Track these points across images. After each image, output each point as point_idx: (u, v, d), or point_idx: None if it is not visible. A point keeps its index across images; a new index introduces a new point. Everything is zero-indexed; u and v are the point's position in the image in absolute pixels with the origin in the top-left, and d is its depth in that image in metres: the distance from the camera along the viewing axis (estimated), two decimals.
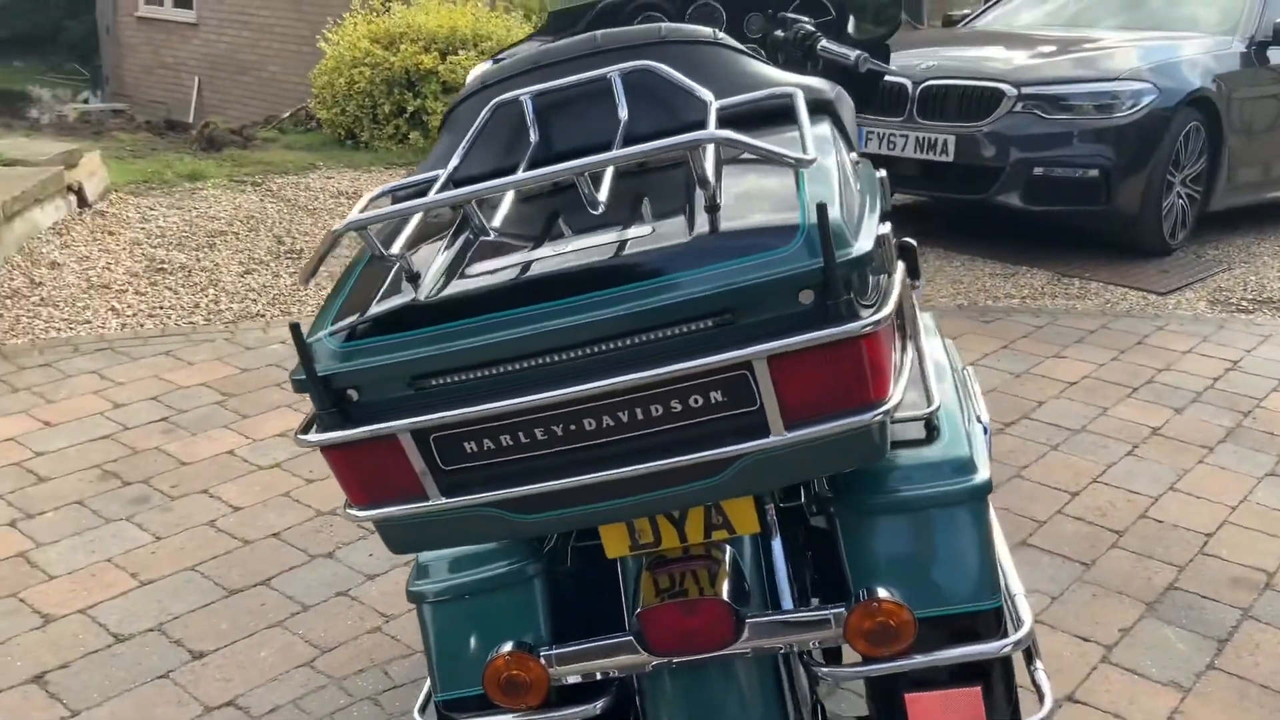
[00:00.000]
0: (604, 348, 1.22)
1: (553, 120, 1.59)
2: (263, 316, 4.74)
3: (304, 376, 1.26)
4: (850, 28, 2.96)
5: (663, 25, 1.66)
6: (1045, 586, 2.82)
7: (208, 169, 7.02)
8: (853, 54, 2.68)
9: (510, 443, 1.27)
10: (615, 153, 1.23)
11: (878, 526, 1.55)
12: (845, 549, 1.55)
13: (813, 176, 1.34)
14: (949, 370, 1.85)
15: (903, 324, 1.61)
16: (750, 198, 1.32)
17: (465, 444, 1.28)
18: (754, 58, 1.70)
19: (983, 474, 1.56)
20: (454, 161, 1.60)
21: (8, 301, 4.76)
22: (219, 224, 5.96)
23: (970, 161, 5.76)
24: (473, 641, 1.57)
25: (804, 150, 1.28)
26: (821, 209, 1.16)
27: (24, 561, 2.91)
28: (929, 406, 1.63)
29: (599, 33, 1.68)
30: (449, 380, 1.26)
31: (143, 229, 5.80)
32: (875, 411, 1.25)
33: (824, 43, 2.72)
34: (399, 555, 1.52)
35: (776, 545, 1.61)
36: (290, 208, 6.41)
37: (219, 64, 13.60)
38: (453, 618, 1.59)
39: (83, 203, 5.94)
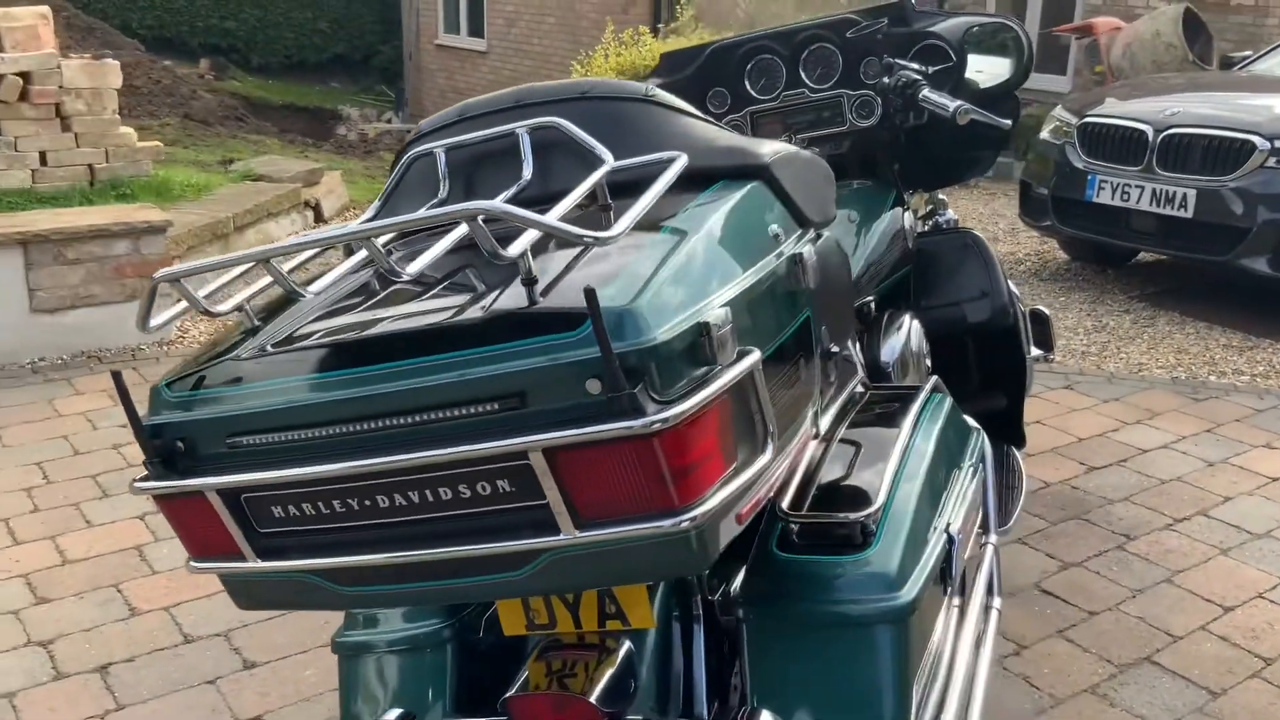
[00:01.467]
0: (390, 423, 1.16)
1: (464, 174, 1.54)
2: None
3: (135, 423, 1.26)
4: (981, 76, 2.72)
5: (589, 81, 1.57)
6: (1155, 714, 2.46)
7: None
8: (952, 104, 2.45)
9: (313, 512, 1.23)
10: (385, 222, 1.14)
11: (780, 638, 1.41)
12: (747, 657, 1.41)
13: (642, 254, 1.22)
14: (931, 466, 1.63)
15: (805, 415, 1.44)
16: (570, 274, 1.21)
17: (273, 508, 1.25)
18: (694, 116, 1.57)
19: (907, 594, 1.38)
20: (369, 213, 1.60)
21: None
22: None
23: (1212, 219, 5.18)
24: (378, 698, 1.55)
25: (609, 227, 1.15)
26: (590, 294, 1.04)
27: (136, 554, 3.12)
28: (869, 507, 1.46)
29: (527, 86, 1.62)
30: (257, 441, 1.23)
31: None
32: (677, 519, 1.11)
33: (925, 92, 2.50)
34: None
35: (698, 638, 1.49)
36: None
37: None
38: (363, 672, 1.57)
39: (319, 217, 6.37)
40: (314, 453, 1.20)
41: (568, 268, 1.22)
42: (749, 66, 2.82)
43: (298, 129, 11.75)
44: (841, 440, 1.68)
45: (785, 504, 1.50)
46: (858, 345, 2.47)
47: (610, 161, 1.40)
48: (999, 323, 2.74)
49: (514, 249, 1.11)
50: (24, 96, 5.35)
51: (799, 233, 1.51)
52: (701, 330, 1.15)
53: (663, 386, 1.10)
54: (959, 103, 2.46)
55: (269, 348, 1.27)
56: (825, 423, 1.64)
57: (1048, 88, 8.97)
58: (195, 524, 1.29)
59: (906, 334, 2.54)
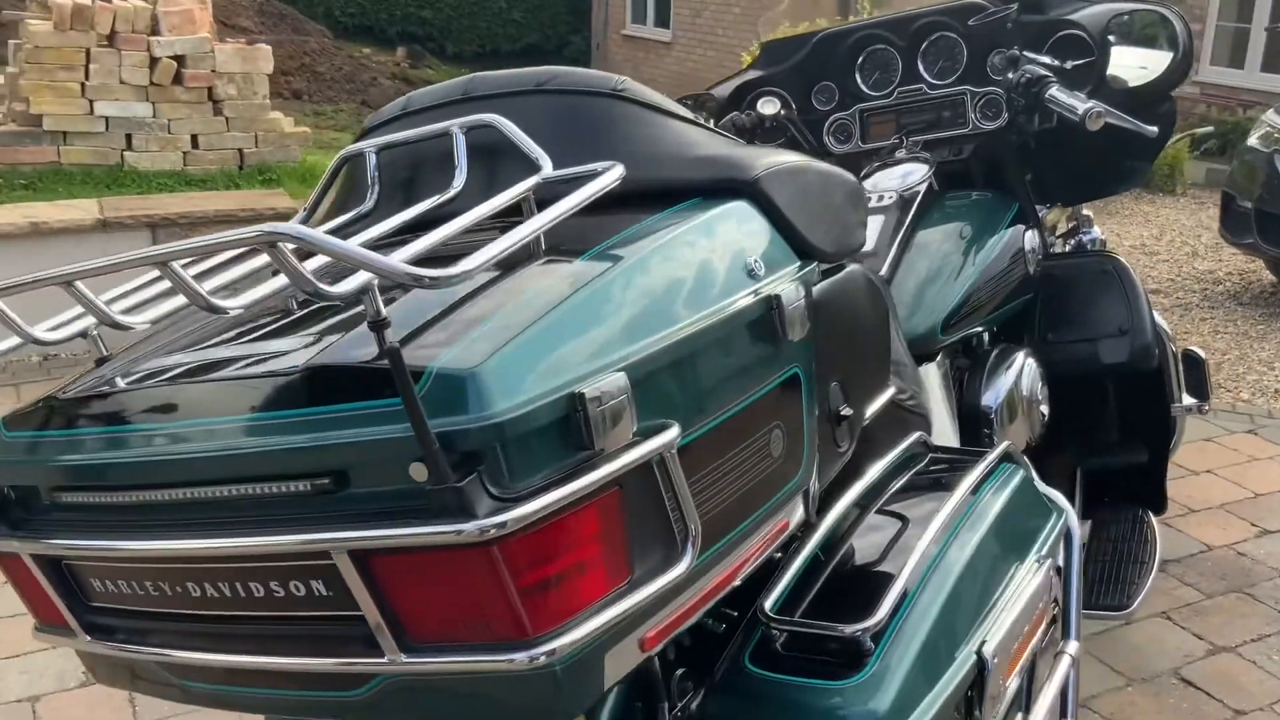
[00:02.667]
0: (193, 495, 0.92)
1: (399, 179, 1.28)
2: None
3: None
4: (1131, 73, 2.29)
5: (549, 70, 1.27)
6: None
7: None
8: (1082, 106, 2.04)
9: (131, 591, 1.00)
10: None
11: None
12: None
13: (531, 296, 0.94)
14: (974, 560, 1.29)
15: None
16: (434, 319, 0.93)
17: (93, 581, 1.03)
18: (674, 115, 1.25)
19: None
20: (298, 215, 1.37)
21: None
22: None
23: None
24: None
25: (453, 264, 0.85)
26: (393, 354, 0.77)
27: None
28: (873, 616, 1.13)
29: (480, 74, 1.33)
30: (74, 500, 1.01)
31: None
32: (531, 652, 0.83)
33: (1053, 90, 2.10)
34: None
35: None
36: None
37: (685, 81, 14.08)
38: None
39: None
40: (128, 520, 0.98)
41: (432, 311, 0.94)
42: (860, 59, 2.47)
43: None
44: (868, 522, 1.35)
45: (769, 604, 1.19)
46: (949, 391, 2.09)
47: (546, 170, 1.11)
48: (1139, 365, 2.30)
49: (344, 285, 0.83)
50: (178, 79, 5.43)
51: (796, 265, 1.18)
52: (576, 404, 0.85)
53: (513, 478, 0.82)
54: (1090, 104, 2.05)
55: (99, 388, 1.04)
56: (844, 502, 1.31)
57: (1273, 89, 8.11)
58: (26, 588, 1.09)
59: (1017, 374, 2.15)
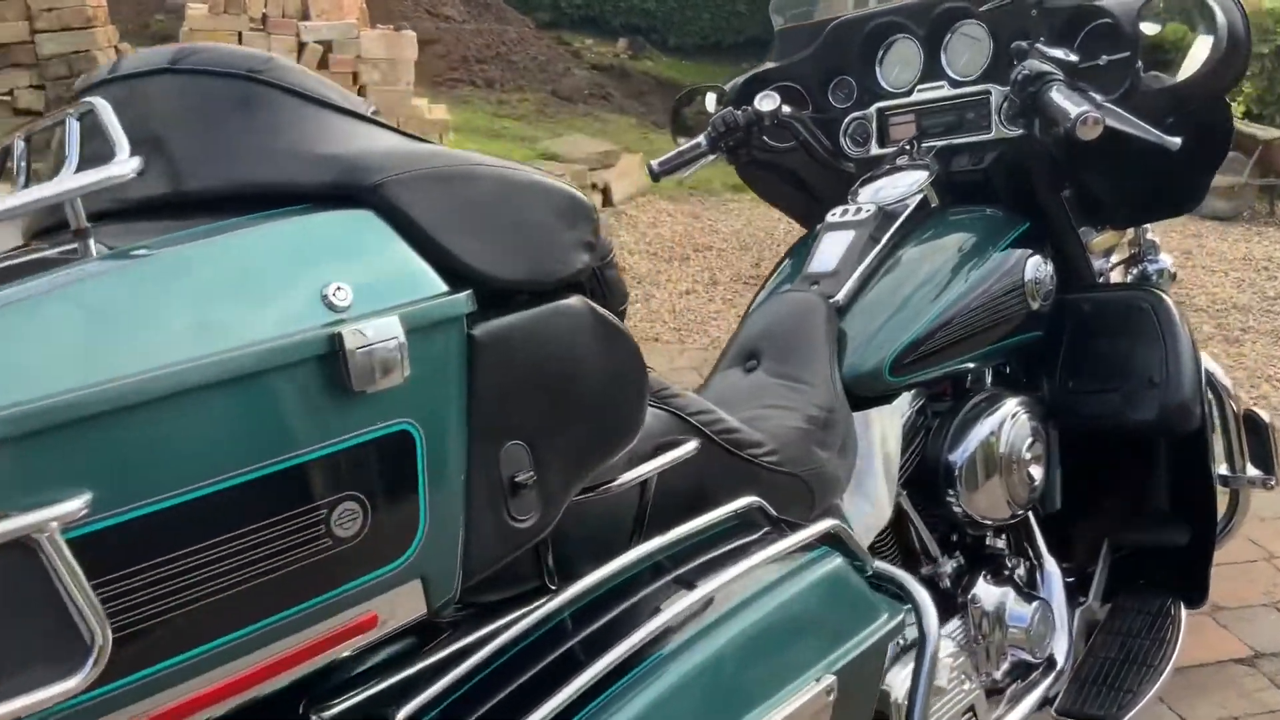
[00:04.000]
0: None
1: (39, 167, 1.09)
2: (657, 340, 4.46)
3: None
4: (1181, 71, 1.85)
5: (190, 47, 1.04)
6: None
7: None
8: (1074, 110, 1.66)
9: None
10: None
11: None
12: None
13: None
14: (682, 687, 1.01)
15: None
16: None
17: None
18: (319, 102, 1.00)
19: None
20: None
21: None
22: (714, 239, 5.79)
23: None
24: None
25: None
26: None
27: None
28: None
29: (188, 45, 1.12)
30: None
31: (642, 234, 5.82)
32: None
33: (1052, 91, 1.71)
34: None
35: None
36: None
37: None
38: None
39: (607, 202, 6.12)
40: None
41: None
42: (882, 50, 2.13)
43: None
44: (576, 614, 1.07)
45: (402, 715, 0.94)
46: (899, 444, 1.74)
47: (120, 169, 0.89)
48: (1175, 425, 1.87)
49: None
50: (324, 64, 5.51)
51: (436, 296, 0.91)
52: None
53: None
54: (1084, 108, 1.66)
55: None
56: (579, 586, 1.05)
57: None
58: None
59: (995, 426, 1.78)
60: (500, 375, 0.93)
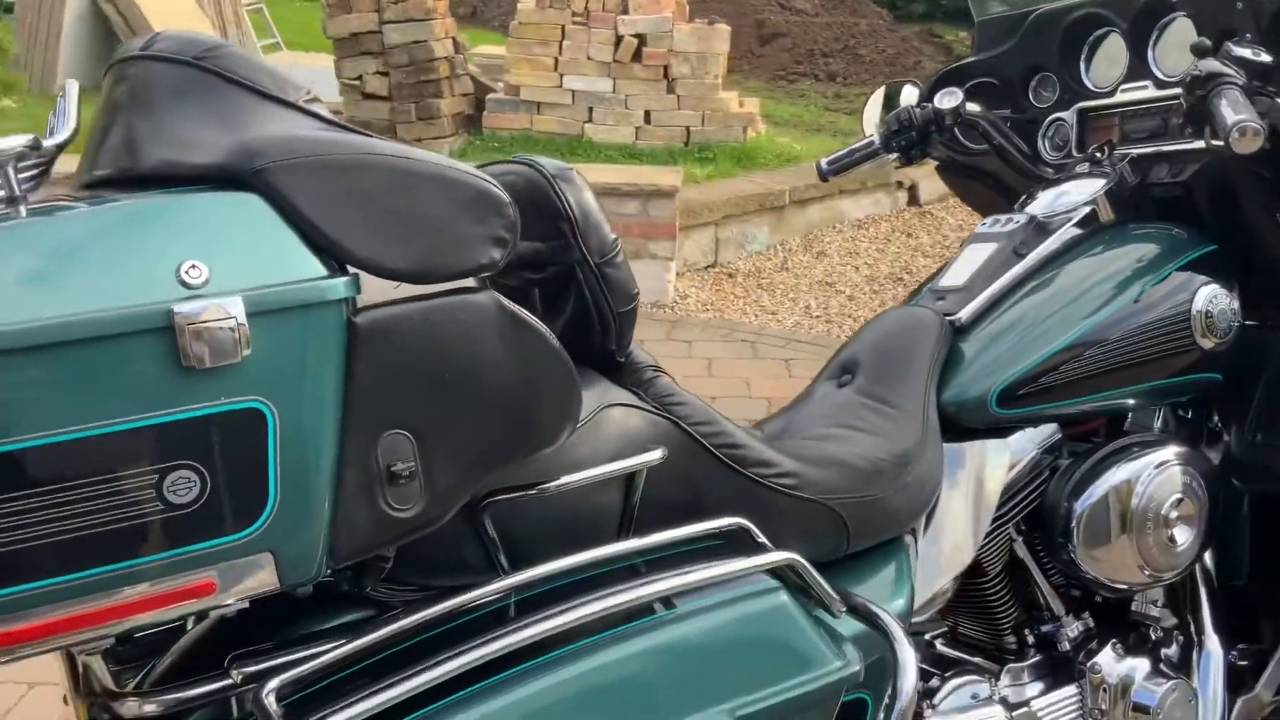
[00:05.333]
0: None
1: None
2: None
3: None
4: None
5: (159, 35, 1.10)
6: None
7: None
8: (1232, 118, 1.44)
9: None
10: None
11: None
12: None
13: None
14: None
15: None
16: None
17: None
18: (258, 92, 1.03)
19: None
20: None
21: (727, 276, 5.04)
22: None
23: None
24: None
25: None
26: None
27: None
28: None
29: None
30: None
31: (944, 236, 5.57)
32: None
33: (1222, 97, 1.50)
34: None
35: None
36: None
37: None
38: None
39: (912, 201, 5.90)
40: None
41: None
42: (1086, 45, 1.92)
43: None
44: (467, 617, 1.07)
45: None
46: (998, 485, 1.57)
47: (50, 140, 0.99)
48: None
49: None
50: (637, 57, 5.68)
51: (306, 280, 0.93)
52: None
53: None
54: (1244, 116, 1.42)
55: None
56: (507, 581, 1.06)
57: None
58: None
59: (1130, 476, 1.57)
60: (382, 364, 0.94)
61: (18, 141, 0.91)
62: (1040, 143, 1.95)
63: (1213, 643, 1.70)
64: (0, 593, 0.84)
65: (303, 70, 6.17)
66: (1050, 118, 1.93)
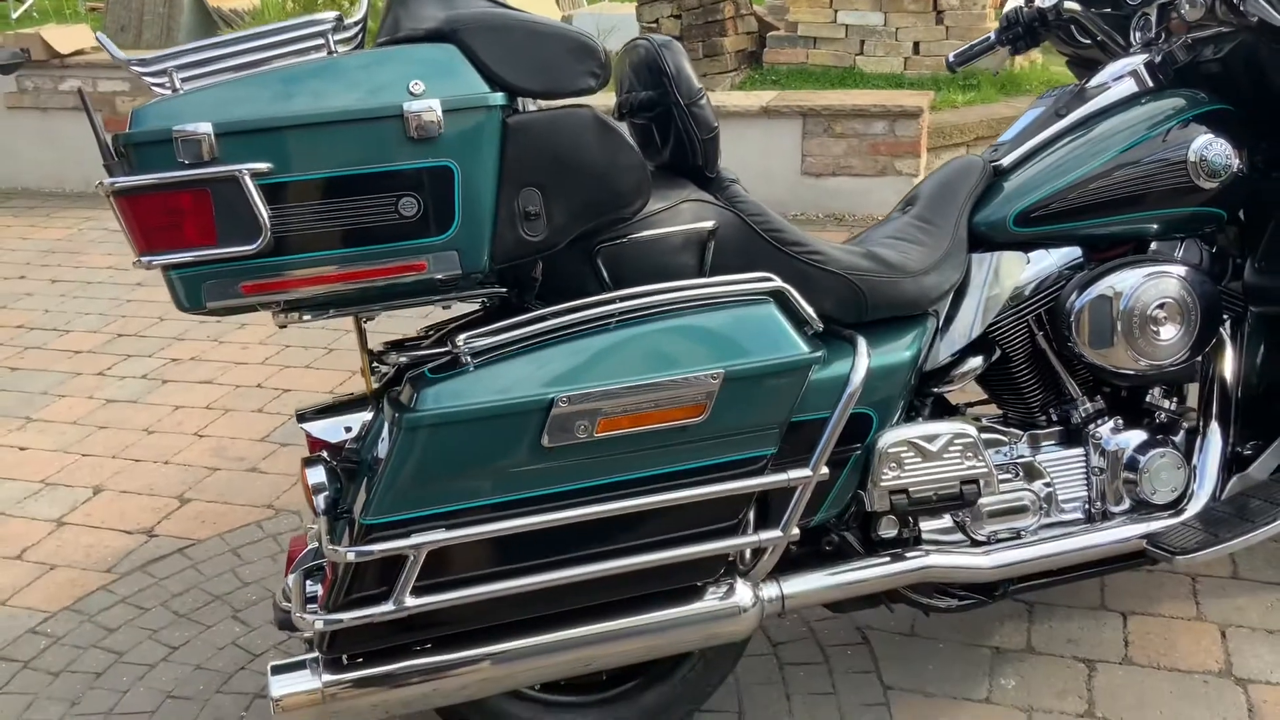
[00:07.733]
0: None
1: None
2: None
3: None
4: None
5: None
6: None
7: None
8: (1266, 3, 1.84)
9: None
10: None
11: None
12: None
13: None
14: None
15: None
16: None
17: None
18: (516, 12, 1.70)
19: None
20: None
21: None
22: None
23: None
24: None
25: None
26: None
27: None
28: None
29: None
30: None
31: None
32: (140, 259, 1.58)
33: None
34: None
35: None
36: None
37: None
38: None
39: None
40: None
41: None
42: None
43: None
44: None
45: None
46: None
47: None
48: None
49: None
50: None
51: (482, 95, 1.57)
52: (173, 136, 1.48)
53: (142, 167, 1.46)
54: None
55: None
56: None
57: None
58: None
59: (1120, 282, 1.98)
60: (522, 145, 1.60)
61: (330, 16, 1.64)
62: (1132, 34, 2.34)
63: (1215, 430, 2.07)
64: (305, 255, 1.56)
65: (608, 17, 6.96)
66: (1140, 11, 2.31)
